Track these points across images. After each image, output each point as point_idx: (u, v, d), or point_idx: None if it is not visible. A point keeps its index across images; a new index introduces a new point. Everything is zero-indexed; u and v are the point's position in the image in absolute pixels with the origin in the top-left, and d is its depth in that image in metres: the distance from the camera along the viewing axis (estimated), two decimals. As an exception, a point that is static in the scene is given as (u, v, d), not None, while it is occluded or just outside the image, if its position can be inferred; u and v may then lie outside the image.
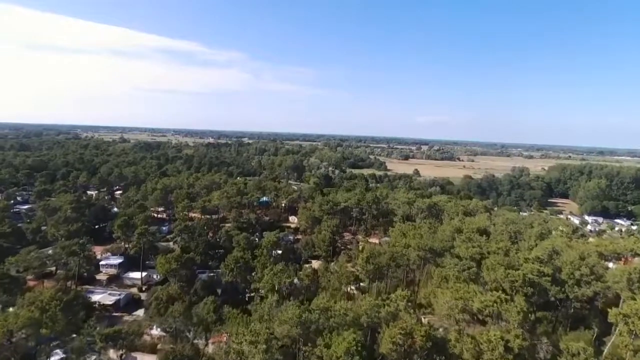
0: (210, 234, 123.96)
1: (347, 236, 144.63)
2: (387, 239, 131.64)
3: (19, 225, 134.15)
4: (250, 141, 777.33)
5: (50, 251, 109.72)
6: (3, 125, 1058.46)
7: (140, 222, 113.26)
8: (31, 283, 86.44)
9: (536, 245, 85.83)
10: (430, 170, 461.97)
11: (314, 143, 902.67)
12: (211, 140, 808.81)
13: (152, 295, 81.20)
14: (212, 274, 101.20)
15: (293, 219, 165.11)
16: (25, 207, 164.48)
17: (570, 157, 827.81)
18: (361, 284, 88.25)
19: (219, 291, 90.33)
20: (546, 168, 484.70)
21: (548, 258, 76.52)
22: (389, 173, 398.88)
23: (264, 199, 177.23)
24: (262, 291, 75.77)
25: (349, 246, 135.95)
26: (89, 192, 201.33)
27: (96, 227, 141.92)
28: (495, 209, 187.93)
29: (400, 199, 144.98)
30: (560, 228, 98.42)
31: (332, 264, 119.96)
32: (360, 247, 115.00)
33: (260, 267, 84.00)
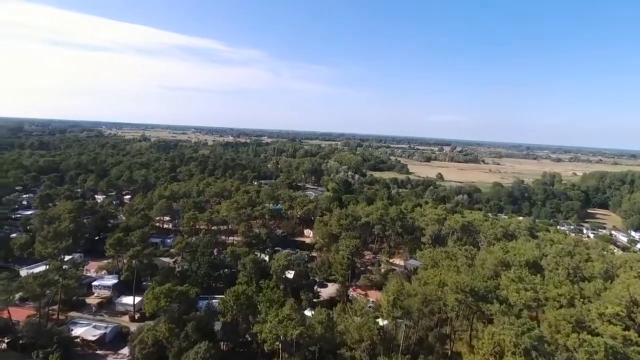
0: (215, 252, 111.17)
1: (368, 255, 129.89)
2: (413, 261, 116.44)
3: (13, 236, 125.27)
4: (269, 140, 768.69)
5: (41, 268, 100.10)
6: (32, 121, 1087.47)
7: (137, 239, 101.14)
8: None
9: (605, 289, 69.20)
10: (454, 174, 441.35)
11: (334, 142, 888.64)
12: (230, 138, 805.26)
13: (137, 338, 68.58)
14: (214, 301, 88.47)
15: (308, 232, 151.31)
16: (28, 212, 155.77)
17: (600, 160, 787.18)
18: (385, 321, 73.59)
19: (217, 328, 77.12)
20: (578, 173, 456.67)
21: (627, 311, 60.02)
22: (411, 177, 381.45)
23: (277, 206, 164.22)
24: (265, 338, 61.91)
25: (369, 267, 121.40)
26: (97, 196, 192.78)
27: (96, 238, 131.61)
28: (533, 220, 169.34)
29: (428, 216, 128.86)
30: (629, 264, 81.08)
31: (350, 289, 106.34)
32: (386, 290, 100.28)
33: (265, 306, 70.28)
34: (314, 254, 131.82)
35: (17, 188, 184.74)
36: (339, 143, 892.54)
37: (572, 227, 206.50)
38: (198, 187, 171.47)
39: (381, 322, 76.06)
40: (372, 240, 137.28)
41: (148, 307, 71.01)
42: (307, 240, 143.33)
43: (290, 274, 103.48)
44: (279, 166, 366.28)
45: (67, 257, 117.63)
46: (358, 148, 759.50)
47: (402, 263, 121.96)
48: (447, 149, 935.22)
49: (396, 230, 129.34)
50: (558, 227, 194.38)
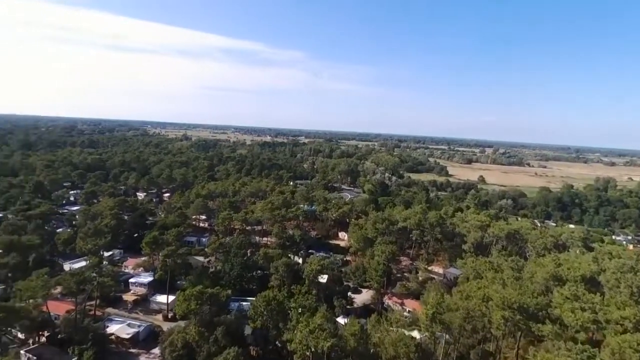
0: (249, 252, 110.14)
1: (405, 261, 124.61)
2: (453, 270, 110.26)
3: (59, 230, 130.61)
4: (306, 141, 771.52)
5: (82, 263, 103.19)
6: (84, 120, 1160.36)
7: (172, 238, 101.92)
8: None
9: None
10: (496, 177, 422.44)
11: (371, 143, 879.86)
12: (268, 138, 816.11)
13: (167, 340, 68.06)
14: (245, 303, 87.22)
15: (343, 235, 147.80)
16: (75, 208, 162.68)
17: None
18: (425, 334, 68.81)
19: (248, 332, 75.47)
20: (635, 179, 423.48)
21: None
22: (451, 179, 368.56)
23: (312, 207, 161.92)
24: (294, 349, 59.26)
25: (406, 274, 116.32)
26: (138, 194, 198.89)
27: (135, 235, 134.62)
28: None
29: (470, 222, 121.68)
30: None
31: (386, 297, 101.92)
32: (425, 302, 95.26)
33: (296, 313, 67.74)
34: (348, 257, 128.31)
35: (65, 184, 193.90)
36: (376, 144, 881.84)
37: (629, 237, 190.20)
38: (234, 186, 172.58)
39: (417, 334, 71.61)
40: (410, 245, 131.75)
41: (179, 310, 70.42)
42: (342, 244, 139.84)
43: (323, 279, 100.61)
44: (315, 166, 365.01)
45: (107, 253, 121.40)
46: (395, 149, 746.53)
47: (441, 271, 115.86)
48: (489, 150, 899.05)
49: (435, 236, 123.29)
50: (613, 237, 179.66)
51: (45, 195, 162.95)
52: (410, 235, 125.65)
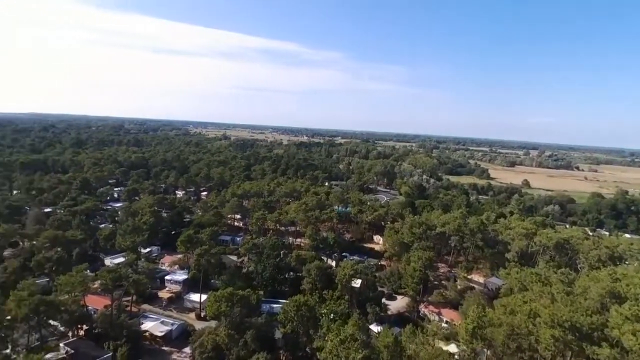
0: (282, 254, 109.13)
1: (442, 268, 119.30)
2: (494, 280, 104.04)
3: (102, 226, 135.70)
4: (342, 141, 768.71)
5: (121, 259, 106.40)
6: (131, 120, 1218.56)
7: (207, 237, 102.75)
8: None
9: None
10: (542, 181, 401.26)
11: (409, 144, 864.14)
12: (305, 138, 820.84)
13: (198, 340, 67.91)
14: (276, 306, 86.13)
15: (378, 238, 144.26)
16: (118, 205, 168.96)
17: None
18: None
19: (278, 336, 74.14)
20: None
21: None
22: (492, 182, 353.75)
23: (346, 209, 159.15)
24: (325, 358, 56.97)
25: (444, 282, 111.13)
26: (177, 192, 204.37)
27: (173, 232, 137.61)
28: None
29: (515, 229, 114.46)
30: None
31: (422, 305, 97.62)
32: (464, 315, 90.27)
33: (327, 320, 65.56)
34: (382, 262, 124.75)
35: (110, 181, 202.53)
36: (414, 145, 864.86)
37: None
38: (269, 186, 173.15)
39: (455, 348, 67.42)
40: (448, 251, 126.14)
41: (209, 311, 70.21)
42: (377, 247, 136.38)
43: (356, 283, 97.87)
44: (351, 167, 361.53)
45: (145, 250, 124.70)
46: (434, 150, 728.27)
47: (481, 280, 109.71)
48: (533, 153, 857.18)
49: (476, 243, 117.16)
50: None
51: (90, 191, 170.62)
52: (449, 242, 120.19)
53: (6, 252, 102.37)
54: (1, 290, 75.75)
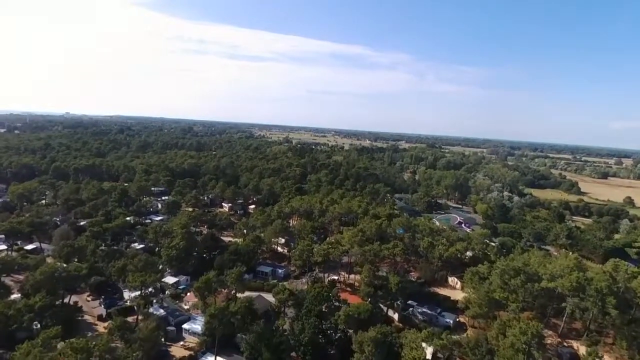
0: (324, 307, 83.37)
1: (550, 337, 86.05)
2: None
3: (133, 245, 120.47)
4: (407, 146, 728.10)
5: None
6: (201, 122, 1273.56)
7: (233, 279, 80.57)
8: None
9: None
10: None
11: (478, 150, 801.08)
12: (367, 142, 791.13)
13: None
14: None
15: (454, 281, 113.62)
16: (158, 219, 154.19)
17: None
18: None
19: None
20: None
21: None
22: (585, 199, 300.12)
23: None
24: None
25: (553, 358, 78.71)
26: (224, 204, 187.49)
27: (204, 256, 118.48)
28: None
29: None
30: None
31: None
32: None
33: None
34: (461, 318, 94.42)
35: (155, 190, 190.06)
36: (485, 150, 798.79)
37: None
38: (321, 204, 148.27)
39: None
40: (555, 312, 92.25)
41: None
42: (453, 295, 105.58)
43: (428, 353, 70.91)
44: (416, 177, 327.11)
45: (172, 280, 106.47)
46: (508, 157, 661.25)
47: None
48: (627, 162, 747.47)
49: (600, 308, 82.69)
50: None
51: (129, 203, 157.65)
52: (563, 303, 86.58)
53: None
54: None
